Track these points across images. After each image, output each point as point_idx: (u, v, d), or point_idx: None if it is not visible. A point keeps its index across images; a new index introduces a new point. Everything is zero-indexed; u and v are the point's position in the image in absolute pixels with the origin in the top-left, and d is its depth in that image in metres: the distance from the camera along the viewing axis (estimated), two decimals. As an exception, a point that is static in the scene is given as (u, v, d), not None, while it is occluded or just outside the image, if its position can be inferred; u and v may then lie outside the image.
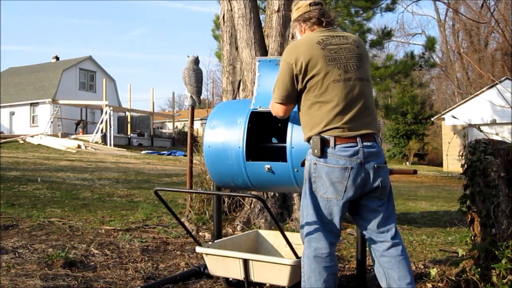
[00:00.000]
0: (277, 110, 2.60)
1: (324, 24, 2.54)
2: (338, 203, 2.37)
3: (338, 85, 2.38)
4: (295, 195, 5.53)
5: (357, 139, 2.36)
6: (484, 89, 22.01)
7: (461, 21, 32.08)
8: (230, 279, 3.19)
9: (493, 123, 20.64)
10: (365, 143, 2.37)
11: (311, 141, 2.42)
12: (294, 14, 2.63)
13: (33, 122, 31.48)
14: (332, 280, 2.38)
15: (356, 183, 2.36)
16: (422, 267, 3.81)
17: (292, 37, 5.51)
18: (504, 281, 2.93)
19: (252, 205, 5.53)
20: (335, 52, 2.42)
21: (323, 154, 2.36)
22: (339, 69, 2.40)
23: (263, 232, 3.80)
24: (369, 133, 2.40)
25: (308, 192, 2.43)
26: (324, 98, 2.38)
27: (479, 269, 3.05)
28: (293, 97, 2.51)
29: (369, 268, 3.76)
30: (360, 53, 2.49)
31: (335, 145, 2.35)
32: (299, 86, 2.45)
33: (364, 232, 2.52)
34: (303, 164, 2.56)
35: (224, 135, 3.27)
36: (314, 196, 2.41)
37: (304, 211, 2.45)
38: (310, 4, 2.56)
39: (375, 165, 2.38)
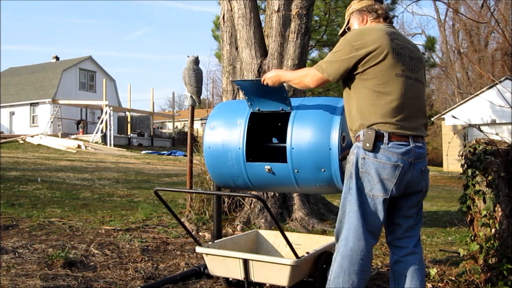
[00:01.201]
0: (313, 79, 2.45)
1: (388, 20, 2.57)
2: (385, 201, 2.30)
3: (399, 80, 2.34)
4: (295, 195, 5.53)
5: (410, 138, 2.32)
6: (484, 89, 21.99)
7: (461, 21, 32.07)
8: (230, 279, 3.18)
9: (493, 123, 20.64)
10: (416, 143, 2.34)
11: (362, 133, 2.33)
12: (355, 6, 2.62)
13: (33, 122, 31.47)
14: (360, 284, 2.28)
15: (403, 183, 2.31)
16: (422, 267, 3.81)
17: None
18: (504, 281, 2.93)
19: (252, 205, 5.53)
20: (401, 48, 2.40)
21: (374, 148, 2.29)
22: (403, 65, 2.37)
23: (263, 232, 3.80)
24: (420, 135, 2.38)
25: (355, 188, 2.32)
26: (384, 89, 2.33)
27: (479, 269, 3.05)
28: (341, 78, 2.43)
29: (369, 268, 3.76)
30: (420, 57, 2.50)
31: (389, 141, 2.29)
32: (358, 70, 2.36)
33: (386, 234, 2.49)
34: (344, 158, 2.49)
35: (224, 136, 3.26)
36: (361, 193, 2.32)
37: (346, 208, 2.35)
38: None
39: (422, 168, 2.36)
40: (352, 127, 2.43)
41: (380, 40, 2.34)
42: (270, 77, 2.76)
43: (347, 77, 2.42)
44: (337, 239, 2.37)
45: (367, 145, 2.29)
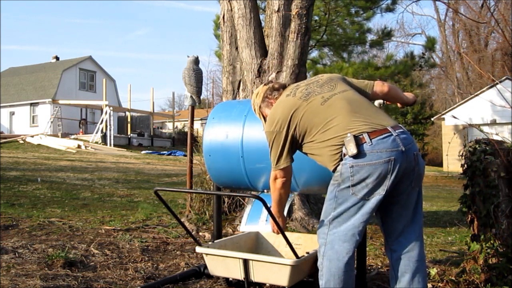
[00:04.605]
0: (279, 178, 2.50)
1: (283, 88, 2.63)
2: (379, 199, 2.24)
3: (328, 103, 2.36)
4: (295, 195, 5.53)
5: (388, 128, 2.24)
6: (484, 89, 22.01)
7: (461, 21, 32.09)
8: (230, 279, 3.19)
9: (493, 123, 20.64)
10: (397, 131, 2.25)
11: (344, 142, 2.25)
12: (258, 101, 2.68)
13: (33, 122, 31.47)
14: (351, 283, 2.30)
15: (399, 173, 2.23)
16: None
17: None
18: (504, 281, 2.93)
19: (252, 205, 5.52)
20: (306, 89, 2.47)
21: (360, 152, 2.20)
22: (318, 95, 2.41)
23: (263, 232, 3.80)
24: (395, 124, 2.30)
25: (341, 195, 2.28)
26: (327, 119, 2.32)
27: (479, 269, 3.05)
28: (293, 153, 2.49)
29: (369, 268, 3.76)
30: (329, 78, 2.53)
31: (371, 139, 2.20)
32: (299, 138, 2.42)
33: (386, 232, 2.44)
34: (335, 169, 2.41)
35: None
36: (347, 199, 2.27)
37: (329, 214, 2.32)
38: (265, 84, 2.71)
39: (414, 152, 2.29)
40: (330, 168, 2.38)
41: (286, 107, 2.44)
42: (277, 225, 2.71)
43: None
44: (320, 243, 2.36)
45: (351, 149, 2.21)
